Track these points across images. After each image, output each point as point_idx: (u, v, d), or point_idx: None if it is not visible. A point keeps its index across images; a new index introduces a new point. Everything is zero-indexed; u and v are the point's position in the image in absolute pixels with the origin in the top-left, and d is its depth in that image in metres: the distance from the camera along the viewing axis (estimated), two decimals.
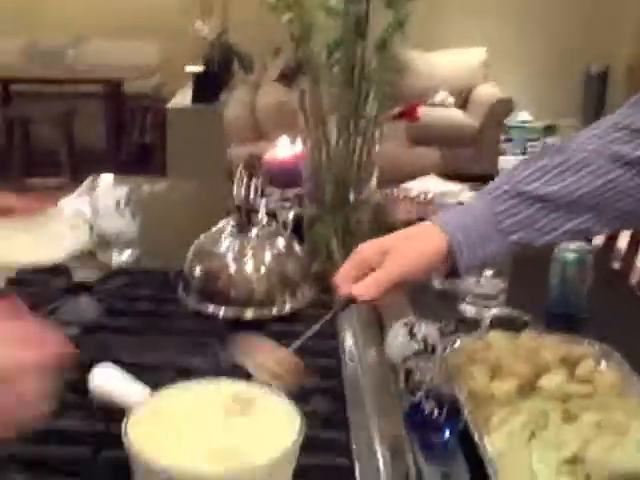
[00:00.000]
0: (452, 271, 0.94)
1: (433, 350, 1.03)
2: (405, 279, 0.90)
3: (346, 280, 0.91)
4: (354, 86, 1.34)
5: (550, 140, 5.82)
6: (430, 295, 1.33)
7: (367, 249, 0.93)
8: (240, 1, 4.30)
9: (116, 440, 0.66)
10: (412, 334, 1.02)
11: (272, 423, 0.71)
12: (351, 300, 0.90)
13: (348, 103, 1.35)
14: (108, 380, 0.72)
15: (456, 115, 5.41)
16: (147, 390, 0.71)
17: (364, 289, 0.89)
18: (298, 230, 1.42)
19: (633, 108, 0.97)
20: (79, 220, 1.09)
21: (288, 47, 1.37)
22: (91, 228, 1.15)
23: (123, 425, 0.66)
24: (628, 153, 0.95)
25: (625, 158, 0.95)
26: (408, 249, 0.91)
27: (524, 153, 5.73)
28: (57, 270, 1.32)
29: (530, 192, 0.93)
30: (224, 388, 0.75)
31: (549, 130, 5.90)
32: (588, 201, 0.94)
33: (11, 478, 0.81)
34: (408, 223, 1.68)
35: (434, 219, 0.94)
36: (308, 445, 0.68)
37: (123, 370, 0.74)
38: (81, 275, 1.31)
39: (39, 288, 1.27)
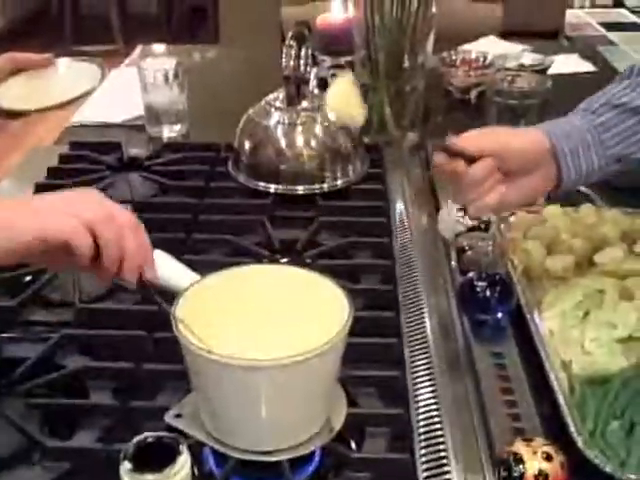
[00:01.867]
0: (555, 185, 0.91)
1: (487, 226, 1.01)
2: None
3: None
4: None
5: None
6: None
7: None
8: None
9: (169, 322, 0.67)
10: (465, 209, 0.99)
11: (321, 308, 0.71)
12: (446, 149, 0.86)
13: None
14: (161, 267, 0.72)
15: None
16: (198, 277, 0.72)
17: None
18: None
19: None
20: (90, 66, 1.14)
21: None
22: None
23: (172, 309, 0.67)
24: None
25: None
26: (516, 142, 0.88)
27: (593, 6, 5.42)
28: (110, 146, 1.33)
29: (626, 104, 0.90)
30: (273, 272, 0.75)
31: None
32: None
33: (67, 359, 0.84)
34: (466, 89, 1.64)
35: (538, 126, 0.91)
36: (357, 325, 0.68)
37: (174, 256, 0.74)
38: (133, 151, 1.31)
39: (92, 164, 1.27)
